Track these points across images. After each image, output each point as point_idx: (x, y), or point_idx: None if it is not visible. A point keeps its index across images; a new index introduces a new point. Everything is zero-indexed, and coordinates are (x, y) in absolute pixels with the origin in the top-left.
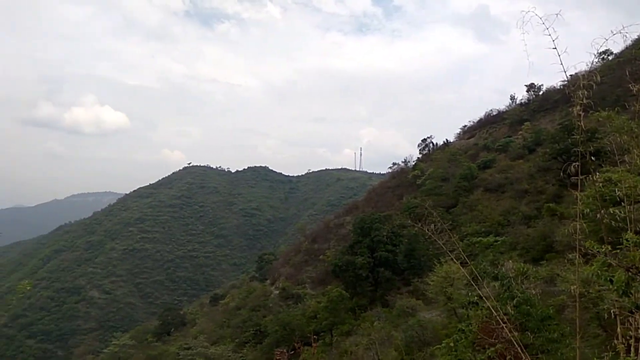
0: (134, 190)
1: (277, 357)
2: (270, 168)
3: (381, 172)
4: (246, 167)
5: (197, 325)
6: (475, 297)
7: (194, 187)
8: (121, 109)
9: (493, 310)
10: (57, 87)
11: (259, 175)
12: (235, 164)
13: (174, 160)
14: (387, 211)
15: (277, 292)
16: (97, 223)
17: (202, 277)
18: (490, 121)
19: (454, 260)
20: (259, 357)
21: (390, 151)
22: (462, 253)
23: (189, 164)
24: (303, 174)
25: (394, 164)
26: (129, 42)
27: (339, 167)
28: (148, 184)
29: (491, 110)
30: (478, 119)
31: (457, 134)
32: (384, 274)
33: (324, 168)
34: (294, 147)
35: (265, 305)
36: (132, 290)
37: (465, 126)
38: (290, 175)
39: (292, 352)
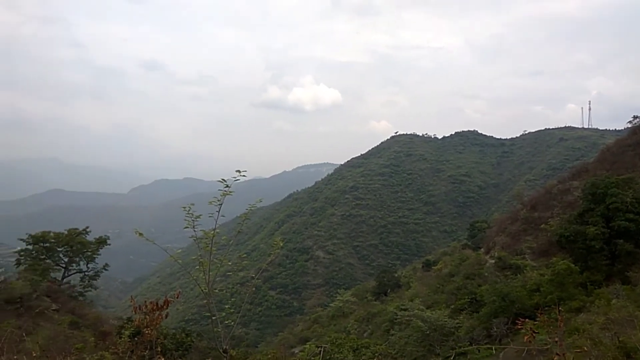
0: (348, 161)
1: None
2: (479, 132)
3: (617, 129)
4: (453, 133)
5: (412, 289)
6: None
7: (402, 156)
8: (334, 86)
9: None
10: (280, 71)
11: (468, 140)
12: (441, 130)
13: (381, 130)
14: (626, 174)
15: (493, 261)
16: (319, 191)
17: (413, 243)
18: None
19: None
20: (476, 325)
21: (628, 103)
22: None
23: (396, 133)
24: (517, 135)
25: (635, 117)
26: (337, 21)
27: (562, 126)
28: (359, 154)
29: None
30: None
31: None
32: (623, 246)
33: (542, 128)
34: (505, 107)
35: (480, 274)
36: (350, 252)
37: None
38: (503, 138)
39: (512, 324)
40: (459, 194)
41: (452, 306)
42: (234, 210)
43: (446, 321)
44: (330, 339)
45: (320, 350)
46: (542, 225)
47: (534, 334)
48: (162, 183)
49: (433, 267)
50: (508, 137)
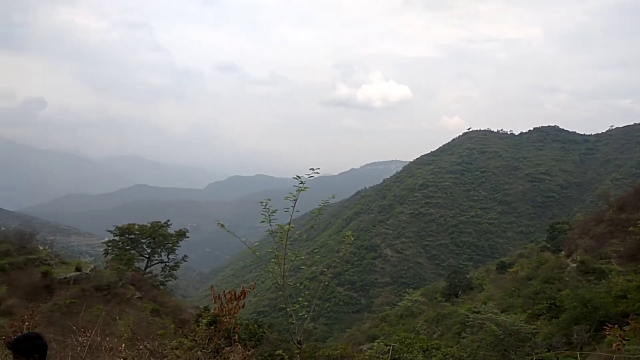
0: (417, 158)
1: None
2: (560, 127)
3: None
4: (532, 128)
5: (485, 291)
6: None
7: (475, 153)
8: (404, 82)
9: None
10: (350, 69)
11: (547, 136)
12: (518, 126)
13: (453, 126)
14: None
15: (574, 265)
16: (387, 189)
17: (487, 244)
18: None
19: None
20: (555, 331)
21: None
22: None
23: (469, 129)
24: (603, 131)
25: None
26: (407, 16)
27: None
28: (429, 151)
29: None
30: None
31: None
32: None
33: (631, 123)
34: (589, 101)
35: (560, 278)
36: (419, 251)
37: None
38: (586, 134)
39: (594, 331)
40: (538, 193)
41: (529, 311)
42: (303, 207)
43: (522, 326)
44: (399, 338)
45: (389, 349)
46: (630, 228)
47: (623, 342)
48: (235, 179)
49: (508, 270)
50: (592, 133)
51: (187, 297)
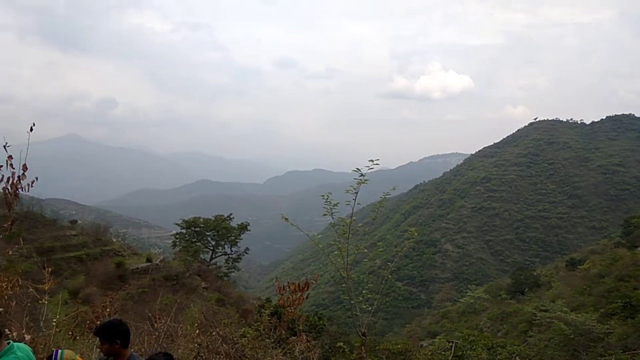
0: (479, 150)
1: None
2: (636, 116)
3: None
4: (604, 117)
5: (553, 289)
6: None
7: (542, 144)
8: (464, 72)
9: None
10: (407, 60)
11: (622, 125)
12: (589, 114)
13: (517, 116)
14: None
15: None
16: (447, 182)
17: (555, 239)
18: None
19: None
20: (630, 332)
21: None
22: None
23: (535, 119)
24: None
25: None
26: (467, 3)
27: None
28: (492, 142)
29: None
30: None
31: None
32: None
33: None
34: None
35: (636, 275)
36: (482, 247)
37: None
38: None
39: None
40: (611, 186)
41: (601, 310)
42: (360, 202)
43: (594, 325)
44: (462, 335)
45: (452, 346)
46: None
47: None
48: (293, 174)
49: (579, 267)
50: None
51: (249, 288)
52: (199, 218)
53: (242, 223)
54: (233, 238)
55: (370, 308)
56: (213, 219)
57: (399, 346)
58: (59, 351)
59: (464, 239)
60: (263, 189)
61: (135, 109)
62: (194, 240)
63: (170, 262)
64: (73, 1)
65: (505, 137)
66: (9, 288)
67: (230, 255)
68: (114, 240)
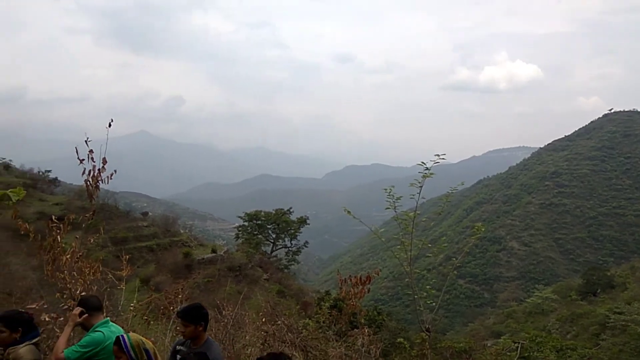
0: (548, 143)
1: None
2: None
3: None
4: None
5: (629, 290)
6: None
7: (617, 136)
8: (532, 61)
9: None
10: (470, 51)
11: None
12: None
13: (590, 107)
14: None
15: None
16: (513, 177)
17: (631, 238)
18: None
19: None
20: None
21: None
22: None
23: (610, 110)
24: None
25: None
26: None
27: None
28: (563, 135)
29: None
30: None
31: None
32: None
33: None
34: None
35: None
36: (551, 245)
37: None
38: None
39: None
40: None
41: None
42: (421, 196)
43: None
44: (529, 336)
45: (518, 346)
46: None
47: None
48: (352, 169)
49: None
50: None
51: (308, 281)
52: (260, 211)
53: (302, 217)
54: (293, 231)
55: (434, 304)
56: (274, 212)
57: (461, 345)
58: (125, 336)
59: (531, 237)
60: (322, 184)
61: (200, 106)
62: (255, 232)
63: (233, 253)
64: (143, 4)
65: (577, 129)
66: (91, 274)
67: (290, 248)
68: (182, 231)
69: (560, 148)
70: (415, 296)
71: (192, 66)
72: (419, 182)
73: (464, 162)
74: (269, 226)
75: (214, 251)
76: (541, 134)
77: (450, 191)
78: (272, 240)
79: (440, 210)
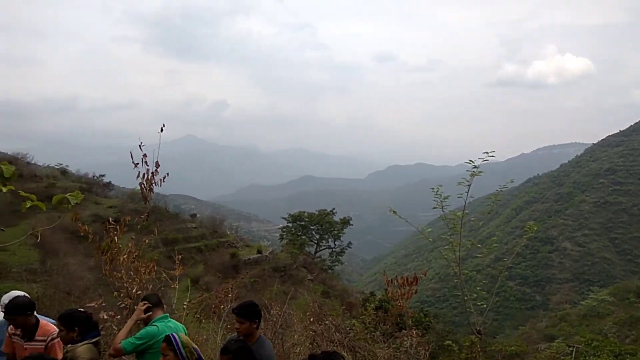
0: (602, 139)
1: None
2: None
3: None
4: None
5: None
6: None
7: None
8: (583, 54)
9: None
10: (517, 45)
11: None
12: None
13: None
14: None
15: None
16: (565, 175)
17: None
18: None
19: None
20: None
21: None
22: None
23: None
24: None
25: None
26: None
27: None
28: (618, 130)
29: None
30: None
31: None
32: None
33: None
34: None
35: None
36: (606, 245)
37: None
38: None
39: None
40: None
41: None
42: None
43: None
44: (584, 339)
45: (572, 350)
46: None
47: None
48: (395, 168)
49: None
50: None
51: (352, 282)
52: (304, 212)
53: (345, 218)
54: (336, 232)
55: (485, 306)
56: (317, 213)
57: (513, 348)
58: (176, 335)
59: (585, 237)
60: (364, 184)
61: (243, 109)
62: (299, 233)
63: (278, 254)
64: (187, 13)
65: (633, 124)
66: (147, 273)
67: (333, 249)
68: (229, 232)
69: (615, 144)
70: (465, 298)
71: (235, 70)
72: (467, 181)
73: (512, 160)
74: (312, 227)
75: (259, 252)
76: (594, 129)
77: (499, 190)
78: (316, 241)
79: (489, 210)
